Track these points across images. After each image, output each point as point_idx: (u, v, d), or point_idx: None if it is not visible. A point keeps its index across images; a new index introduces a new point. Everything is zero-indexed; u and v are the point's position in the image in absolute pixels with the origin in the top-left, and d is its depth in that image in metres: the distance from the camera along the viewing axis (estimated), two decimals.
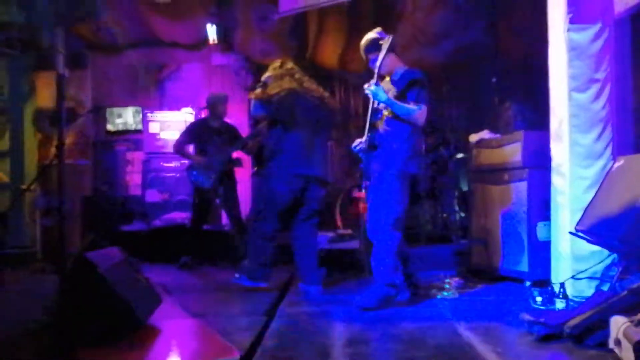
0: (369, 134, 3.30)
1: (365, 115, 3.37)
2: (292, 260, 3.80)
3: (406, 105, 3.18)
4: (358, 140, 3.39)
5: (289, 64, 3.81)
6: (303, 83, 3.74)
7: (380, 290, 3.17)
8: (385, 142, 3.29)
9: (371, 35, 3.32)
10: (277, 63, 3.81)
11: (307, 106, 3.68)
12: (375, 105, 3.29)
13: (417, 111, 3.17)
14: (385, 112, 3.30)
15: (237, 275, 3.71)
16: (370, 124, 3.29)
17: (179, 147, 5.04)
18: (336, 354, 2.28)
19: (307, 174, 3.65)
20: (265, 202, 3.71)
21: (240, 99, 6.72)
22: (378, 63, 3.17)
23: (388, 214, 3.19)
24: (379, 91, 3.17)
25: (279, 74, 3.73)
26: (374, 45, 3.25)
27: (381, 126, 3.33)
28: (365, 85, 3.20)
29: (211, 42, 6.47)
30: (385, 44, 3.13)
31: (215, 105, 4.98)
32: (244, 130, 5.73)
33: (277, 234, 3.72)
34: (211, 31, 6.26)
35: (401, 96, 3.23)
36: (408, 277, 3.37)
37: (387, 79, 3.38)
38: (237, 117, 6.18)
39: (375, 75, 3.20)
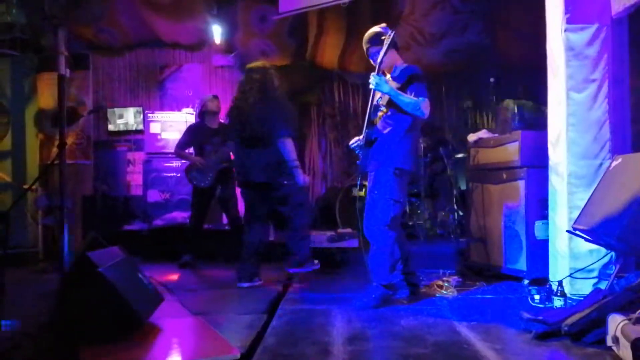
0: (367, 131, 3.29)
1: (364, 114, 3.37)
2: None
3: (410, 96, 3.15)
4: (356, 138, 3.40)
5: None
6: None
7: (377, 291, 3.18)
8: (383, 139, 3.28)
9: (376, 28, 3.33)
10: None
11: None
12: (375, 102, 3.29)
13: (422, 102, 3.12)
14: (384, 110, 3.31)
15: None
16: (369, 121, 3.28)
17: (178, 151, 5.13)
18: (336, 352, 2.29)
19: None
20: None
21: None
22: (379, 58, 3.16)
23: (384, 213, 3.18)
24: (382, 82, 3.14)
25: None
26: (377, 39, 3.25)
27: (379, 123, 3.33)
28: (370, 79, 3.18)
29: (217, 42, 6.49)
30: (387, 39, 3.13)
31: (206, 107, 5.06)
32: None
33: None
34: (216, 32, 6.28)
35: (401, 91, 3.20)
36: (408, 276, 3.39)
37: (388, 76, 3.36)
38: None
39: (377, 69, 3.17)
